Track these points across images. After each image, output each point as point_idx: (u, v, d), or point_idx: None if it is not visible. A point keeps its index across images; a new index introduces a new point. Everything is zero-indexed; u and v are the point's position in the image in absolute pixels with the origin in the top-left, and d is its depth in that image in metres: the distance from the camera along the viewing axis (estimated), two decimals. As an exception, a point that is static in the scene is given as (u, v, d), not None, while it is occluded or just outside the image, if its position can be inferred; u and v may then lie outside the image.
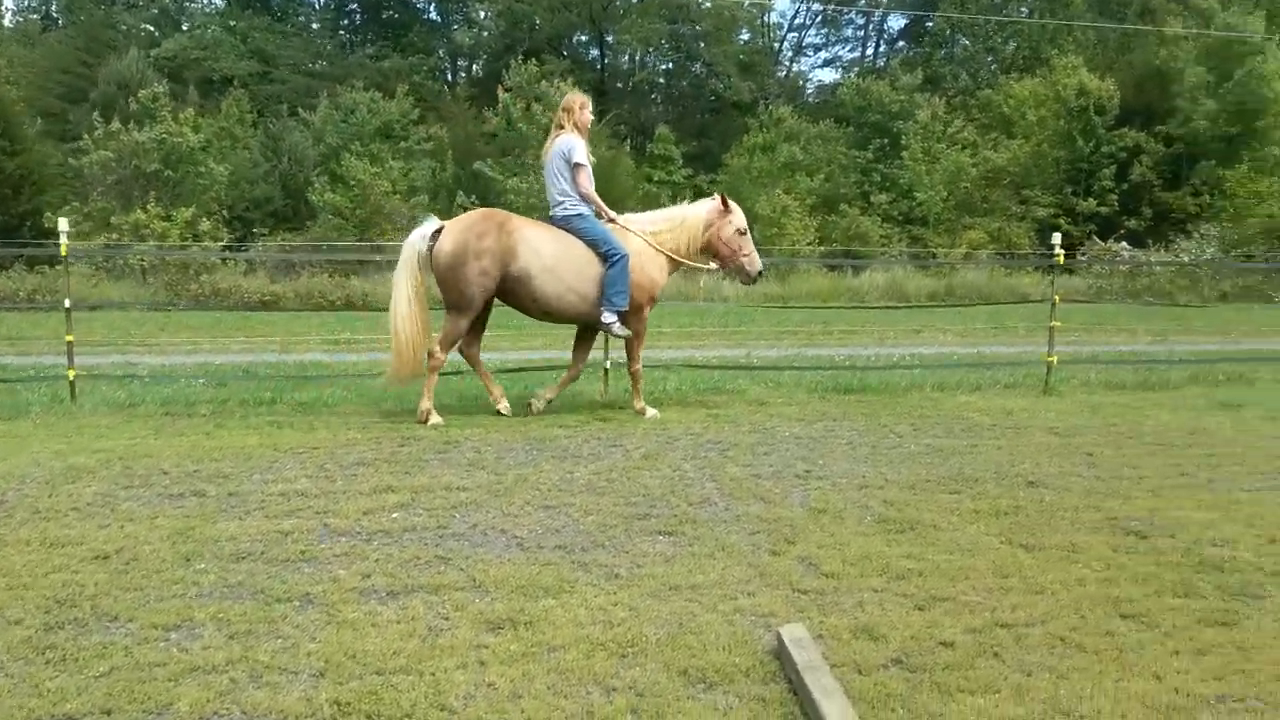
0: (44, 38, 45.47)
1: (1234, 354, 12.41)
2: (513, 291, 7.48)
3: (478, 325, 7.74)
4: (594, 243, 7.51)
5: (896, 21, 54.77)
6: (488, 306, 7.68)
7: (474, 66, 53.06)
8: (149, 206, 25.75)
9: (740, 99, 46.82)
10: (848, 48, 57.52)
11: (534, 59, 42.57)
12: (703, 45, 47.94)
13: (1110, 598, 4.13)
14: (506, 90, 33.00)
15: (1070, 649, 3.63)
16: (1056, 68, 33.85)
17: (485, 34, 49.16)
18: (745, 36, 53.16)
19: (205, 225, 26.16)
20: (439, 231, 7.43)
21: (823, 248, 30.12)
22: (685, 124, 49.67)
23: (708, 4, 45.69)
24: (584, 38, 51.86)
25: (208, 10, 50.13)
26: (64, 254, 8.51)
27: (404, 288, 7.42)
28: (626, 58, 51.59)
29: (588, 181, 7.57)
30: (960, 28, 44.54)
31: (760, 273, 8.25)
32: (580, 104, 7.79)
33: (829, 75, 58.99)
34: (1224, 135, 30.11)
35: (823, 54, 59.27)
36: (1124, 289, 25.57)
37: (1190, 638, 3.75)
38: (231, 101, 37.51)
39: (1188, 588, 4.26)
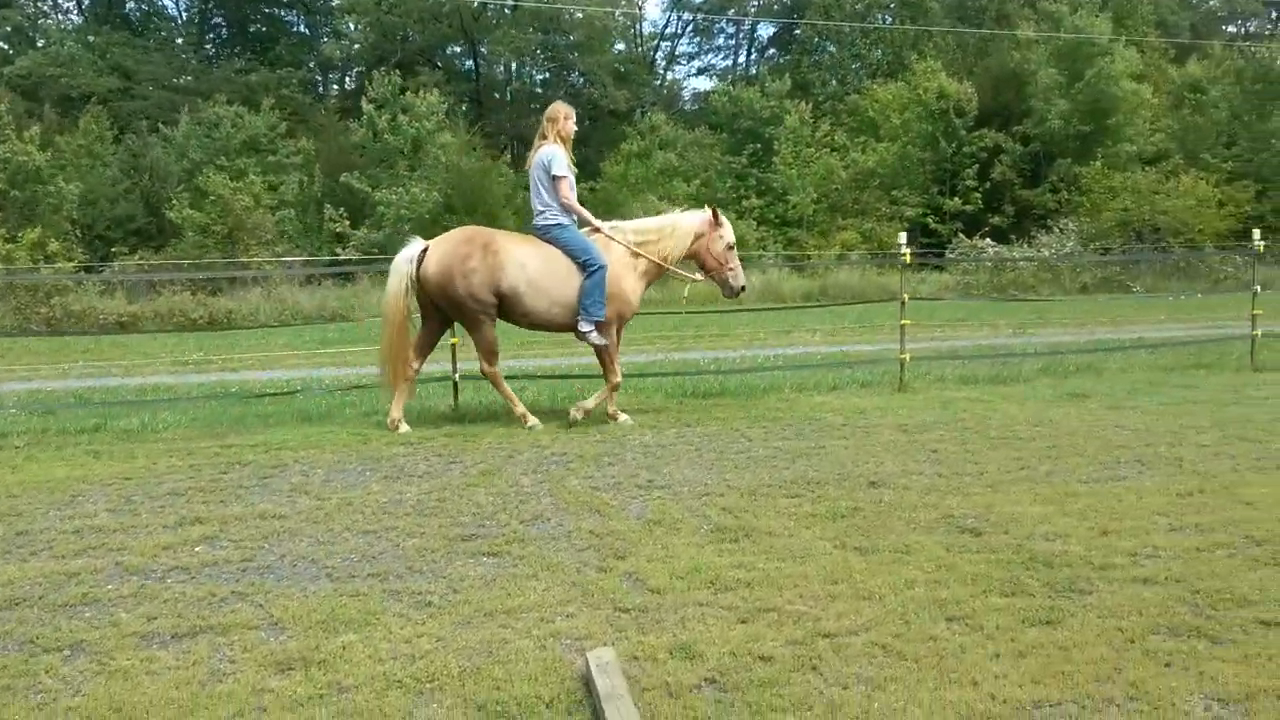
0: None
1: (1085, 345, 12.73)
2: (503, 307, 7.55)
3: (431, 340, 7.82)
4: (573, 253, 7.56)
5: (766, 30, 55.66)
6: (444, 324, 7.80)
7: (346, 79, 51.94)
8: (-9, 228, 24.37)
9: (617, 108, 46.82)
10: (720, 56, 58.16)
11: (406, 71, 41.91)
12: (576, 55, 47.79)
13: (937, 600, 4.04)
14: (370, 102, 32.31)
15: (891, 657, 3.52)
16: (917, 72, 34.73)
17: (356, 46, 48.08)
18: (620, 47, 53.23)
19: (54, 246, 24.83)
20: (425, 252, 7.49)
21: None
22: (561, 134, 49.42)
23: (579, 14, 45.52)
24: (458, 49, 51.20)
25: (64, 27, 47.82)
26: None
27: (391, 313, 7.52)
28: (501, 68, 51.11)
29: (569, 191, 7.61)
30: (826, 35, 45.36)
31: (743, 287, 8.29)
32: (564, 115, 7.81)
33: (704, 83, 59.55)
34: (1078, 134, 31.30)
35: (696, 62, 59.82)
36: (990, 284, 26.29)
37: (1012, 639, 3.68)
38: (90, 118, 35.82)
39: (1015, 586, 4.20)
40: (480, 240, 7.52)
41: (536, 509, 5.31)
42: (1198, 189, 28.11)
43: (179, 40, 49.90)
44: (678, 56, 58.05)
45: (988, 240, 28.29)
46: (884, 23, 45.35)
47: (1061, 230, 28.37)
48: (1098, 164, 29.74)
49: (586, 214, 7.80)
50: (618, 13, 49.31)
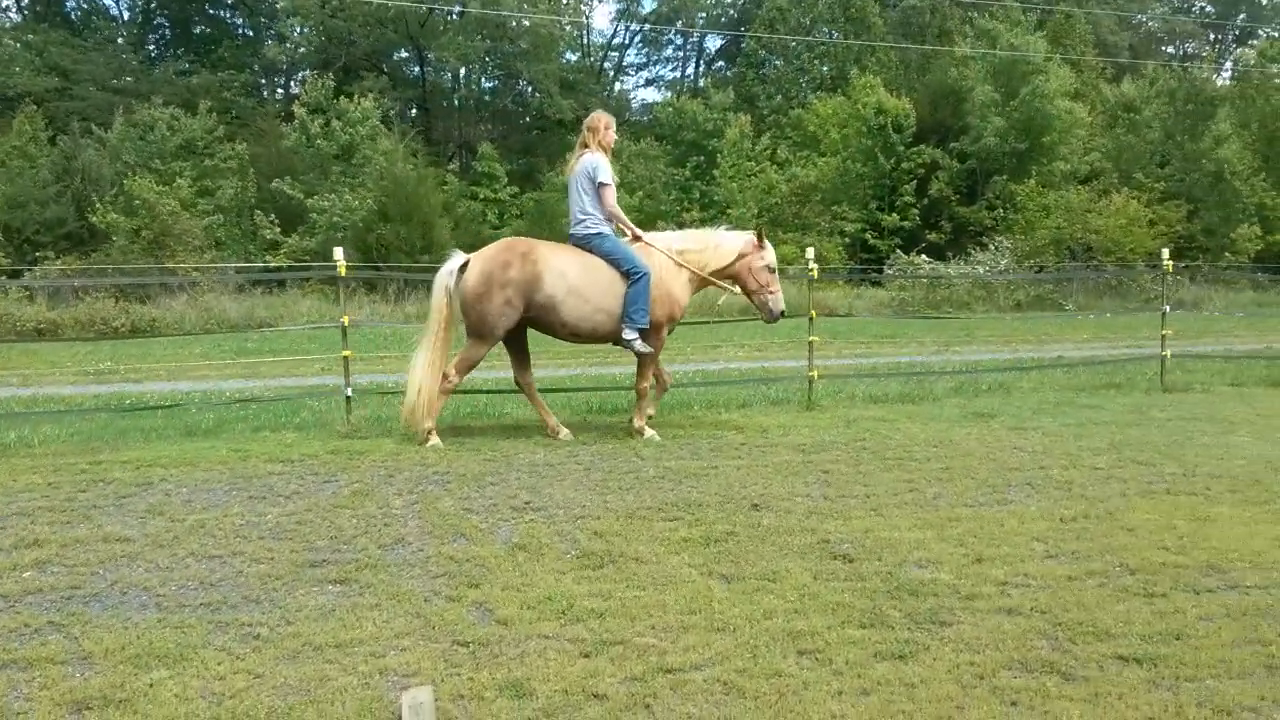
0: None
1: (1003, 363, 12.74)
2: (541, 317, 7.55)
3: (522, 354, 7.89)
4: (615, 261, 7.57)
5: (714, 42, 55.84)
6: (524, 334, 7.80)
7: (290, 83, 51.19)
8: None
9: (564, 117, 46.62)
10: (669, 67, 58.25)
11: (351, 75, 41.45)
12: (524, 64, 47.52)
13: (792, 632, 3.90)
14: (303, 106, 31.83)
15: (730, 695, 3.37)
16: (856, 87, 34.96)
17: (301, 50, 47.40)
18: (573, 57, 53.10)
19: (-29, 249, 24.10)
20: (465, 265, 7.50)
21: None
22: (511, 141, 49.25)
23: (526, 23, 45.29)
24: (405, 55, 50.73)
25: (1, 25, 46.62)
26: None
27: (431, 331, 7.53)
28: (448, 75, 50.72)
29: (612, 199, 7.66)
30: (772, 48, 45.56)
31: (782, 312, 8.26)
32: (605, 124, 7.82)
33: (652, 94, 59.60)
34: (1013, 151, 31.63)
35: (645, 73, 59.75)
36: (925, 300, 26.43)
37: (860, 675, 3.54)
38: (24, 119, 34.89)
39: (876, 616, 4.08)
40: (520, 249, 7.55)
41: (399, 533, 5.10)
42: (1129, 208, 28.51)
43: (120, 40, 48.87)
44: (626, 67, 58.09)
45: (923, 257, 28.46)
46: (829, 37, 45.66)
47: (996, 247, 28.63)
48: (1032, 182, 30.05)
49: (629, 222, 7.87)
50: (565, 21, 49.17)
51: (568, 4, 51.80)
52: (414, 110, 50.70)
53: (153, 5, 49.89)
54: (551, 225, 32.33)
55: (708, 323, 20.17)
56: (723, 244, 8.08)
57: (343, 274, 8.37)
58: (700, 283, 8.10)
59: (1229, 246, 30.61)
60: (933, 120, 33.99)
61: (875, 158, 32.32)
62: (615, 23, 56.45)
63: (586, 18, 54.31)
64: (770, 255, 8.15)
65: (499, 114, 52.44)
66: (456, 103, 51.86)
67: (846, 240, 32.70)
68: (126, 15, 51.16)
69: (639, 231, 7.91)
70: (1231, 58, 39.13)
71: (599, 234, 7.63)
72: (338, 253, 8.40)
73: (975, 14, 41.08)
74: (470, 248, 28.38)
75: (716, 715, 3.22)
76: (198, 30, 50.41)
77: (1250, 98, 34.84)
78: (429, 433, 7.45)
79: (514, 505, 5.66)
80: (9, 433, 8.01)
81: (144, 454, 7.08)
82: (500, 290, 7.33)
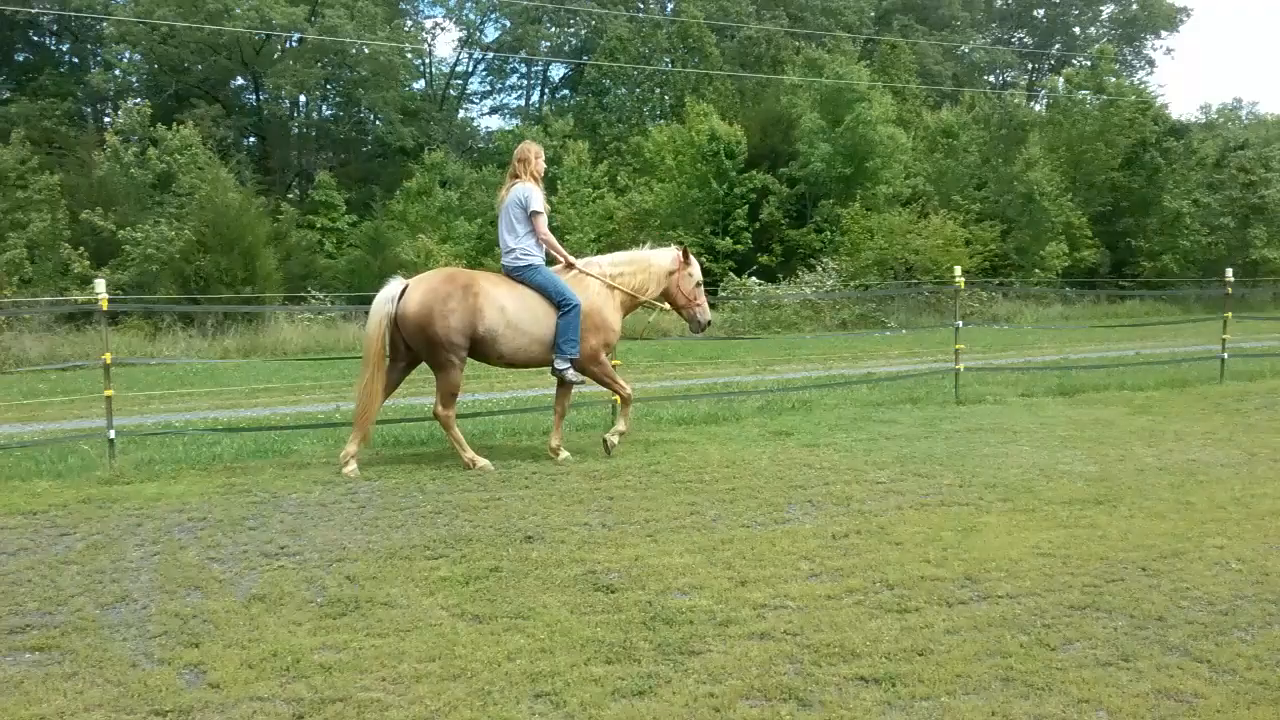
0: None
1: (810, 380, 12.90)
2: (480, 348, 7.59)
3: (396, 380, 7.78)
4: (548, 293, 7.67)
5: (559, 70, 55.87)
6: (411, 365, 7.78)
7: (119, 111, 48.59)
8: None
9: (405, 145, 45.77)
10: (514, 95, 57.95)
11: (183, 103, 39.63)
12: (364, 91, 46.48)
13: (534, 673, 3.70)
14: (116, 134, 30.30)
15: (444, 749, 3.13)
16: (691, 114, 35.47)
17: (132, 78, 45.15)
18: (419, 85, 52.31)
19: None
20: (405, 291, 7.47)
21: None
22: (351, 169, 48.09)
23: (366, 50, 44.31)
24: (241, 82, 48.98)
25: None
26: None
27: (371, 354, 7.48)
28: (286, 103, 49.21)
29: (544, 226, 7.77)
30: (614, 77, 45.86)
31: (709, 322, 8.52)
32: (535, 154, 8.00)
33: (497, 122, 59.14)
34: (839, 176, 32.55)
35: (489, 101, 59.24)
36: (755, 321, 26.83)
37: (592, 716, 3.37)
38: None
39: (625, 651, 3.92)
40: (460, 281, 7.56)
41: (125, 589, 4.68)
42: (946, 229, 29.66)
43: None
44: (470, 95, 57.54)
45: (754, 279, 28.94)
46: (667, 66, 46.26)
47: (823, 269, 29.35)
48: (857, 205, 30.98)
49: (562, 250, 7.97)
50: (406, 49, 48.35)
51: (409, 31, 51.07)
52: (250, 139, 49.03)
53: (-31, 32, 46.75)
54: (384, 255, 31.61)
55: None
56: (653, 264, 8.27)
57: (104, 308, 7.79)
58: (632, 304, 8.29)
59: (1039, 264, 32.16)
60: (764, 146, 34.69)
61: (709, 183, 32.78)
62: (458, 51, 55.91)
63: (428, 45, 53.66)
64: (696, 270, 8.41)
65: (339, 142, 51.21)
66: (295, 130, 50.42)
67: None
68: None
69: (572, 259, 8.03)
70: (1044, 86, 41.38)
71: (530, 266, 7.73)
72: (99, 285, 7.82)
73: (806, 44, 42.38)
74: (301, 279, 27.16)
75: (424, 773, 2.99)
76: (21, 58, 47.49)
77: (1058, 123, 36.88)
78: (349, 456, 7.41)
79: (266, 551, 5.30)
80: None
81: None
82: (441, 320, 7.36)
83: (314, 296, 28.37)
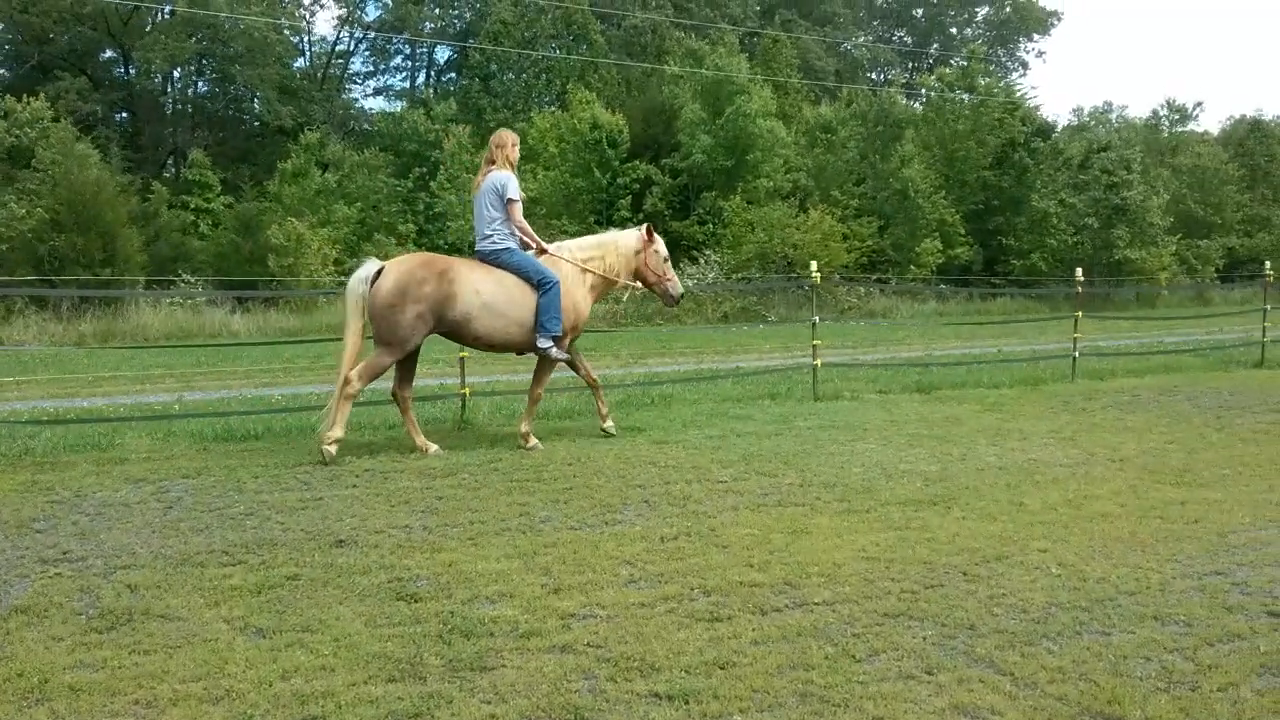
0: None
1: (676, 375, 12.78)
2: (455, 332, 7.74)
3: (407, 369, 7.81)
4: (525, 274, 7.80)
5: (444, 53, 54.79)
6: (417, 349, 7.78)
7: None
8: None
9: (284, 124, 44.25)
10: (400, 77, 56.67)
11: (47, 75, 37.55)
12: (239, 68, 44.75)
13: (305, 695, 3.43)
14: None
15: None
16: (574, 102, 35.16)
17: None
18: (300, 63, 50.64)
19: None
20: (380, 272, 7.51)
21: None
22: (228, 149, 46.36)
23: (240, 25, 42.66)
24: (111, 55, 46.68)
25: None
26: None
27: (351, 332, 7.51)
28: (159, 78, 47.07)
29: (519, 214, 7.90)
30: (499, 61, 45.17)
31: (682, 295, 8.78)
32: (512, 142, 8.14)
33: (381, 104, 57.66)
34: (721, 168, 32.68)
35: (373, 82, 57.74)
36: (637, 314, 26.73)
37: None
38: None
39: (412, 668, 3.67)
40: (437, 267, 7.62)
41: None
42: (823, 223, 30.04)
43: None
44: (353, 75, 56.00)
45: (636, 271, 28.80)
46: (553, 53, 45.77)
47: (706, 261, 29.42)
48: (738, 198, 31.13)
49: (535, 236, 8.07)
50: (283, 25, 46.74)
51: (286, 6, 49.42)
52: (122, 115, 46.87)
53: None
54: (255, 239, 30.50)
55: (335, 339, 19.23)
56: (620, 245, 8.45)
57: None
58: (605, 287, 8.51)
59: (914, 260, 32.82)
60: (646, 137, 34.59)
61: (592, 172, 32.53)
62: (339, 29, 54.24)
63: (306, 22, 52.03)
64: (661, 246, 8.57)
65: (216, 120, 49.32)
66: (170, 108, 48.38)
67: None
68: None
69: (544, 245, 8.14)
70: (922, 84, 42.20)
71: (506, 249, 7.85)
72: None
73: (690, 35, 42.39)
74: (171, 261, 25.97)
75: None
76: None
77: (931, 121, 37.70)
78: (332, 442, 7.31)
79: (45, 557, 4.88)
80: None
81: None
82: (413, 304, 7.40)
83: (184, 280, 27.25)
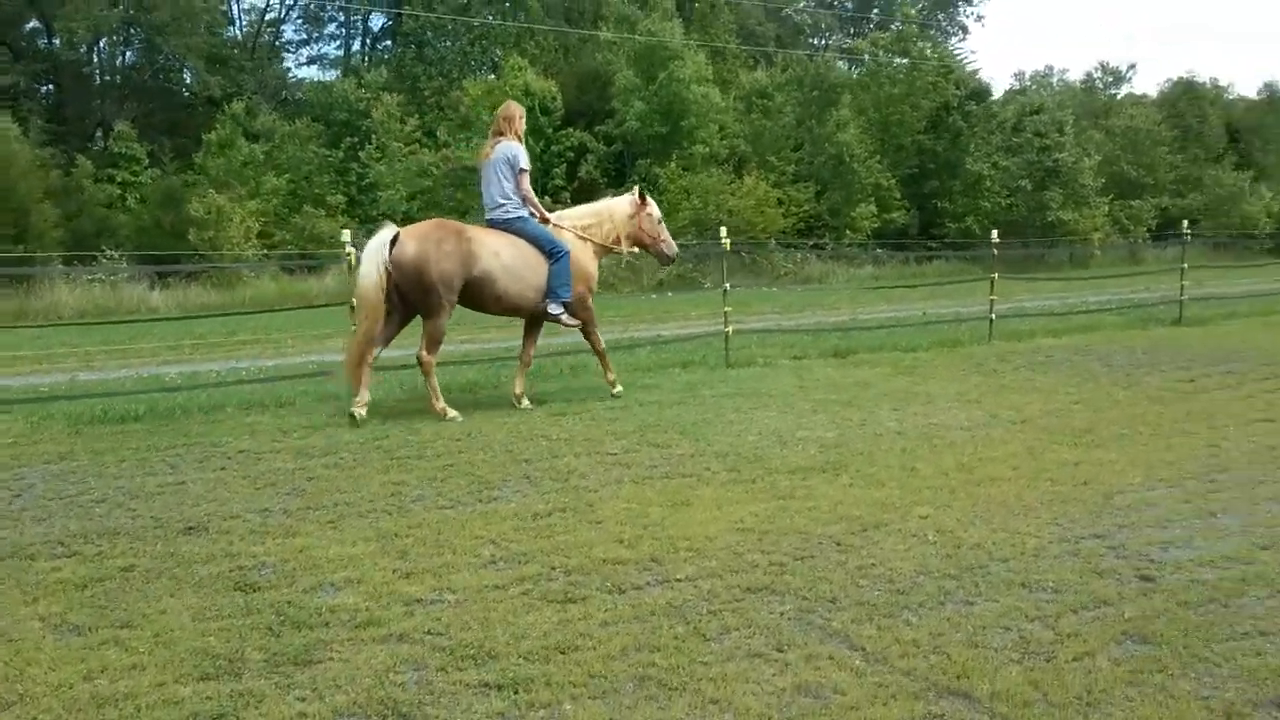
0: None
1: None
2: (474, 293, 7.90)
3: (394, 330, 7.97)
4: (538, 242, 8.10)
5: (379, 21, 53.58)
6: (409, 315, 7.95)
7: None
8: None
9: (213, 94, 43.01)
10: (334, 45, 55.35)
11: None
12: (165, 37, 43.35)
13: (106, 698, 3.20)
14: None
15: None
16: (507, 68, 34.57)
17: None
18: (230, 32, 49.22)
19: None
20: (396, 238, 7.64)
21: (278, 251, 28.32)
22: (156, 121, 44.99)
23: (160, -10, 41.25)
24: (35, 25, 45.01)
25: None
26: None
27: (370, 298, 7.57)
28: (84, 49, 45.49)
29: (528, 185, 8.19)
30: (434, 28, 44.30)
31: (676, 254, 9.29)
32: (519, 114, 8.45)
33: (314, 73, 56.28)
34: (656, 134, 32.34)
35: (307, 51, 56.35)
36: (571, 283, 26.39)
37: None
38: None
39: (232, 664, 3.44)
40: (452, 227, 8.01)
41: None
42: (758, 189, 29.86)
43: None
44: (286, 44, 54.62)
45: (571, 238, 28.47)
46: (486, 19, 44.94)
47: (641, 229, 29.10)
48: (673, 165, 30.84)
49: (540, 206, 8.36)
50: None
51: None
52: (47, 86, 45.34)
53: None
54: (178, 210, 29.68)
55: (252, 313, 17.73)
56: (615, 211, 8.76)
57: None
58: (604, 251, 8.78)
59: (850, 225, 32.77)
60: (581, 103, 34.12)
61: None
62: (264, -4, 52.74)
63: (232, -13, 50.56)
64: (654, 209, 8.90)
65: (144, 91, 47.79)
66: (96, 79, 46.87)
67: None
68: None
69: (547, 214, 8.40)
70: (858, 50, 42.03)
71: (519, 217, 8.12)
72: None
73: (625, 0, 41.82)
74: (94, 236, 25.00)
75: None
76: None
77: (867, 86, 37.61)
78: (360, 405, 7.57)
79: None
80: None
81: None
82: (439, 262, 7.58)
83: (107, 256, 26.44)
